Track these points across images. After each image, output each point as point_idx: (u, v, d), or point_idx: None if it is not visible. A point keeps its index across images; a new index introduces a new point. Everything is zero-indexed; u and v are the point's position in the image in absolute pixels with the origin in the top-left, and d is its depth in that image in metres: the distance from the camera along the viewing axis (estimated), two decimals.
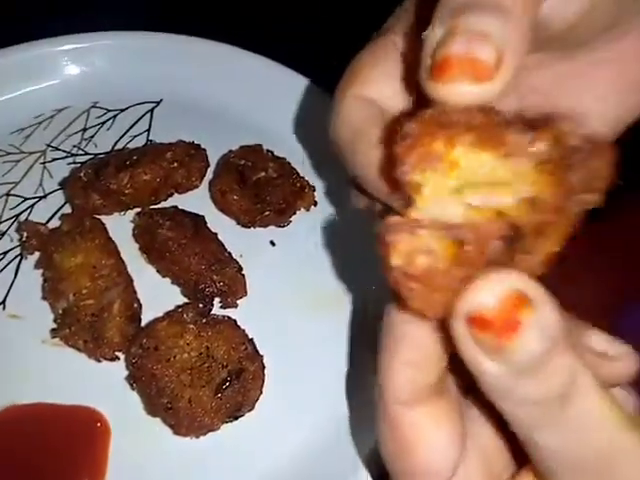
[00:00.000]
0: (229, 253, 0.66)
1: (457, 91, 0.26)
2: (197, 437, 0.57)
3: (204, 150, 0.71)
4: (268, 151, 0.74)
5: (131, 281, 0.62)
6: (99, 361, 0.59)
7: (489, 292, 0.24)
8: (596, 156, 0.26)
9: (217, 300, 0.64)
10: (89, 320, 0.57)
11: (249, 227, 0.71)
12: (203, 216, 0.67)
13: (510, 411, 0.27)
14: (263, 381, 0.59)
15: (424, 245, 0.26)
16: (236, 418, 0.58)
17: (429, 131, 0.26)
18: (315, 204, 0.73)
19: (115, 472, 0.56)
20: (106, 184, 0.64)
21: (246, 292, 0.65)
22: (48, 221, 0.67)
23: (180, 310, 0.61)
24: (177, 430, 0.56)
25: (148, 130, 0.77)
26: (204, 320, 0.60)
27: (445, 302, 0.26)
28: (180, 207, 0.69)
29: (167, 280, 0.66)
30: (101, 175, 0.64)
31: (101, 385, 0.59)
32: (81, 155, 0.74)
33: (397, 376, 0.30)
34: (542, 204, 0.26)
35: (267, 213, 0.69)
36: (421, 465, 0.31)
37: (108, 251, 0.61)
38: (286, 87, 0.77)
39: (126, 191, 0.65)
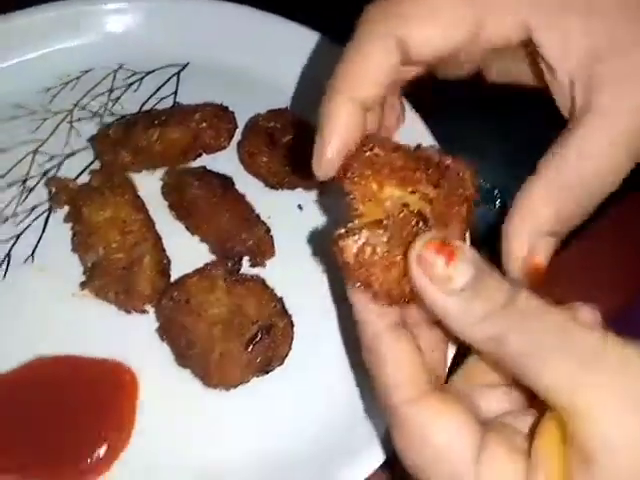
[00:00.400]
0: (257, 214, 0.66)
1: None
2: (227, 390, 0.57)
3: (232, 112, 0.71)
4: (295, 115, 0.74)
5: (159, 238, 0.62)
6: (129, 313, 0.59)
7: (425, 240, 0.37)
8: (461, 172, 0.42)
9: (246, 259, 0.64)
10: (120, 273, 0.57)
11: (277, 189, 0.70)
12: (231, 177, 0.67)
13: (472, 336, 0.36)
14: (292, 338, 0.59)
15: (365, 240, 0.39)
16: (266, 372, 0.58)
17: (366, 174, 0.41)
18: None
19: (143, 425, 0.56)
20: (135, 141, 0.64)
21: (274, 253, 0.65)
22: (77, 177, 0.67)
23: (210, 267, 0.61)
24: (207, 382, 0.56)
25: (175, 93, 0.77)
26: (234, 278, 0.60)
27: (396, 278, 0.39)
28: (208, 168, 0.68)
29: (196, 238, 0.66)
30: (131, 132, 0.64)
31: (130, 337, 0.59)
32: (108, 116, 0.73)
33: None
34: (436, 202, 0.41)
35: (296, 175, 0.69)
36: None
37: (137, 207, 0.61)
38: (313, 51, 0.77)
39: (155, 148, 0.65)
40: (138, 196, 0.62)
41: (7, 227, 0.64)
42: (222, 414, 0.57)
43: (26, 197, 0.66)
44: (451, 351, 0.49)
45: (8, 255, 0.62)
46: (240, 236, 0.62)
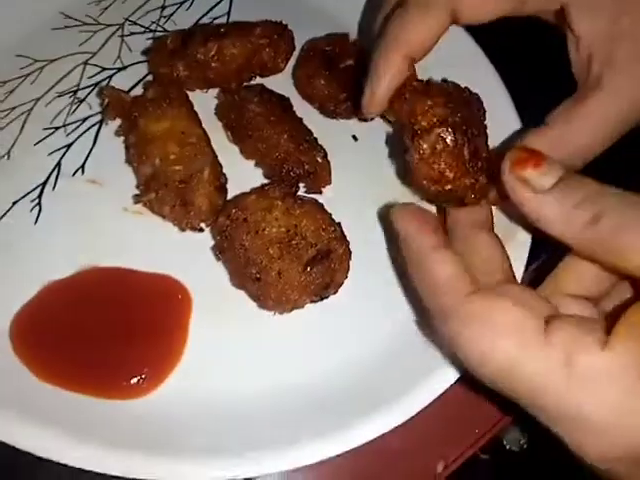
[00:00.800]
0: (315, 138, 0.63)
1: None
2: (281, 313, 0.55)
3: (291, 31, 0.67)
4: (356, 41, 0.70)
5: (216, 156, 0.59)
6: (183, 230, 0.57)
7: (517, 150, 0.41)
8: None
9: (302, 185, 0.62)
10: (177, 186, 0.54)
11: (333, 117, 0.67)
12: (289, 98, 0.64)
13: (568, 228, 0.37)
14: (349, 266, 0.57)
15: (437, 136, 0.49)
16: (321, 298, 0.56)
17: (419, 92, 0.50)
18: None
19: (195, 343, 0.54)
20: (193, 53, 0.61)
21: (330, 180, 0.62)
22: (129, 91, 0.64)
23: (267, 187, 0.58)
24: (263, 302, 0.54)
25: (228, 13, 0.73)
26: (292, 199, 0.58)
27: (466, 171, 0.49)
28: None
29: (249, 162, 0.63)
30: (188, 43, 0.61)
31: (183, 255, 0.57)
32: (160, 32, 0.70)
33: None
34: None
35: (353, 103, 0.66)
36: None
37: (195, 120, 0.58)
38: None
39: (212, 64, 0.62)
40: (195, 111, 0.60)
41: (57, 137, 0.62)
42: (276, 336, 0.55)
43: (76, 108, 0.64)
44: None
45: (58, 165, 0.60)
46: (299, 158, 0.60)
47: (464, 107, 0.52)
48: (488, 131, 0.55)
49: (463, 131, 0.49)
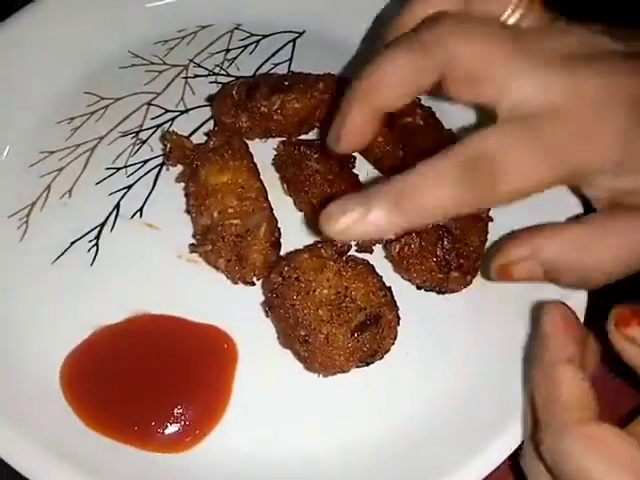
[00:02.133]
0: None
1: None
2: (326, 376, 0.55)
3: None
4: (416, 98, 0.70)
5: (272, 209, 0.60)
6: (235, 283, 0.57)
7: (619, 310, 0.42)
8: None
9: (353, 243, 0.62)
10: (233, 240, 0.55)
11: (387, 173, 0.68)
12: (352, 155, 0.64)
13: None
14: (397, 333, 0.57)
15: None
16: (367, 364, 0.56)
17: None
18: None
19: (239, 397, 0.54)
20: (257, 105, 0.62)
21: (383, 239, 0.62)
22: (190, 136, 0.65)
23: (320, 245, 0.58)
24: (310, 365, 0.54)
25: (290, 60, 0.74)
26: (344, 259, 0.58)
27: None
28: None
29: (303, 214, 0.64)
30: (253, 95, 0.62)
31: (233, 308, 0.58)
32: (223, 75, 0.71)
33: None
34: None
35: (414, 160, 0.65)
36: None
37: (255, 174, 0.59)
38: None
39: (275, 117, 0.62)
40: (255, 163, 0.60)
41: (118, 178, 0.63)
42: (320, 399, 0.55)
43: (138, 149, 0.65)
44: None
45: (117, 206, 0.62)
46: None
47: None
48: None
49: (438, 235, 0.58)
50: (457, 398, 0.57)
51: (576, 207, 0.62)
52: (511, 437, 0.53)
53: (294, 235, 0.61)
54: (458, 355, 0.59)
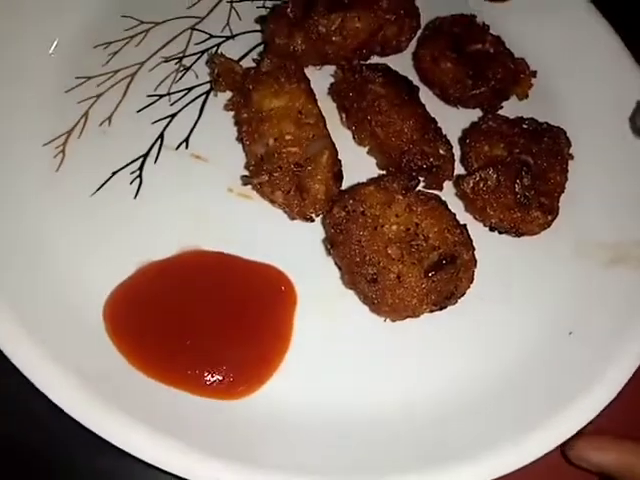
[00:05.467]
0: (440, 128, 0.57)
1: None
2: (395, 320, 0.50)
3: (418, 8, 0.61)
4: (484, 24, 0.64)
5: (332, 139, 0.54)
6: (293, 219, 0.52)
7: None
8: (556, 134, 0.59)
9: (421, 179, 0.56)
10: (293, 169, 0.49)
11: (455, 105, 0.61)
12: (416, 85, 0.58)
13: None
14: (474, 275, 0.51)
15: (479, 177, 0.55)
16: (441, 308, 0.50)
17: (480, 139, 0.58)
18: (527, 96, 0.63)
19: (299, 343, 0.49)
20: (315, 24, 0.55)
21: (453, 174, 0.56)
22: (238, 62, 0.59)
23: (386, 179, 0.53)
24: (377, 307, 0.49)
25: None
26: (413, 194, 0.52)
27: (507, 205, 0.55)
28: None
29: (362, 149, 0.58)
30: (310, 13, 0.55)
31: (290, 246, 0.53)
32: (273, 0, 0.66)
33: None
34: (537, 156, 0.57)
35: (483, 90, 0.59)
36: None
37: (314, 99, 0.53)
38: None
39: (334, 37, 0.56)
40: (312, 88, 0.54)
41: (160, 106, 0.57)
42: (384, 345, 0.50)
43: (182, 75, 0.59)
44: None
45: (161, 136, 0.56)
46: (423, 148, 0.54)
47: (531, 143, 0.56)
48: None
49: (517, 170, 0.54)
50: (536, 348, 0.52)
51: None
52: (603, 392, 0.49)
53: (354, 171, 0.54)
54: (536, 302, 0.54)
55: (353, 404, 0.48)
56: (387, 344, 0.50)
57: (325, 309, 0.51)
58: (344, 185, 0.54)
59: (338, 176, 0.51)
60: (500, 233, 0.56)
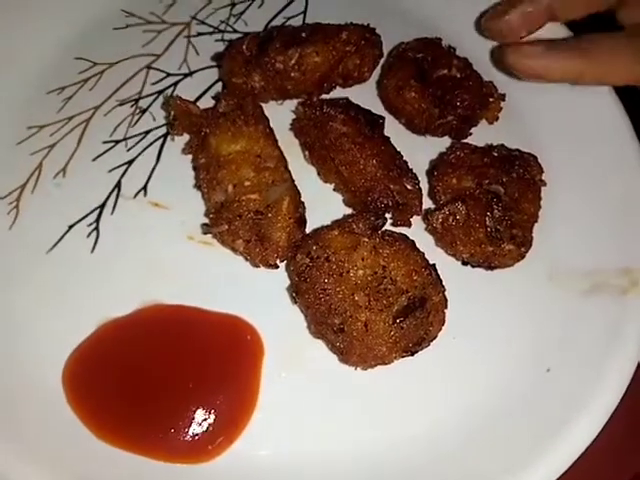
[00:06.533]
0: (406, 162, 0.55)
1: None
2: (365, 369, 0.48)
3: (379, 36, 0.59)
4: (450, 47, 0.62)
5: (294, 181, 0.52)
6: (256, 267, 0.50)
7: None
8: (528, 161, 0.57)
9: (388, 216, 0.54)
10: (252, 217, 0.48)
11: (422, 134, 0.60)
12: (381, 115, 0.56)
13: None
14: (445, 317, 0.50)
15: (448, 212, 0.53)
16: (412, 354, 0.49)
17: (447, 172, 0.56)
18: (497, 119, 0.61)
19: (267, 396, 0.48)
20: (271, 61, 0.54)
21: (421, 210, 0.55)
22: (196, 101, 0.58)
23: (351, 220, 0.51)
24: (346, 357, 0.47)
25: (304, 12, 0.66)
26: (379, 235, 0.50)
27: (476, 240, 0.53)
28: None
29: (328, 186, 0.56)
30: (267, 50, 0.54)
31: (255, 295, 0.51)
32: (230, 32, 0.63)
33: None
34: (508, 185, 0.55)
35: (450, 119, 0.57)
36: None
37: (273, 141, 0.51)
38: None
39: (292, 74, 0.54)
40: (271, 128, 0.53)
41: (117, 152, 0.56)
42: (358, 395, 0.49)
43: (139, 119, 0.57)
44: None
45: (118, 186, 0.54)
46: (388, 186, 0.52)
47: (502, 172, 0.55)
48: None
49: (487, 202, 0.52)
50: (513, 387, 0.50)
51: None
52: (583, 433, 0.47)
53: (319, 210, 0.53)
54: (511, 337, 0.52)
55: (326, 454, 0.47)
56: (359, 391, 0.49)
57: (293, 359, 0.49)
58: (311, 224, 0.53)
59: (300, 222, 0.49)
60: (473, 267, 0.54)
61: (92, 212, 0.53)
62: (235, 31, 0.63)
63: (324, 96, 0.58)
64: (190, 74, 0.60)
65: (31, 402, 0.45)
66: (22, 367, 0.46)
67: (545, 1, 0.59)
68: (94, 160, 0.56)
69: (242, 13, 0.65)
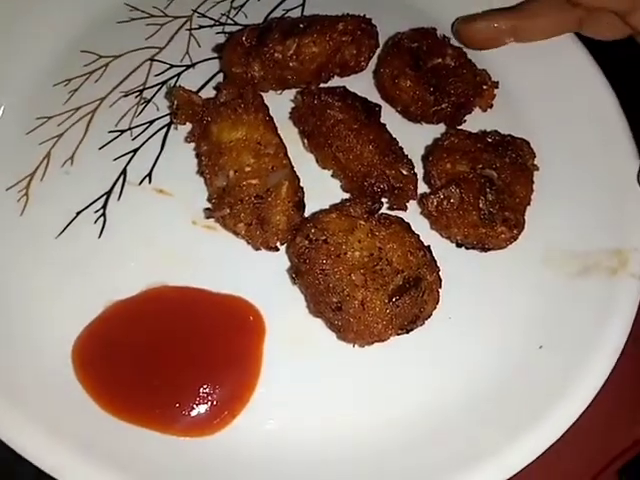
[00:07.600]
0: (402, 148, 0.57)
1: None
2: (362, 346, 0.50)
3: (375, 27, 0.61)
4: (445, 37, 0.64)
5: (293, 167, 0.54)
6: (257, 249, 0.52)
7: None
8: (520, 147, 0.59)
9: (384, 201, 0.56)
10: (253, 201, 0.50)
11: (417, 121, 0.61)
12: (377, 103, 0.58)
13: None
14: (439, 296, 0.52)
15: (442, 195, 0.54)
16: (407, 332, 0.51)
17: (442, 157, 0.57)
18: (491, 106, 0.63)
19: (269, 372, 0.50)
20: (270, 51, 0.55)
21: (417, 194, 0.56)
22: (198, 91, 0.60)
23: (348, 204, 0.53)
24: (344, 334, 0.49)
25: (303, 4, 0.67)
26: (376, 218, 0.52)
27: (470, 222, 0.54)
28: None
29: (325, 172, 0.58)
30: (265, 40, 0.55)
31: (256, 277, 0.53)
32: (230, 25, 0.65)
33: None
34: (501, 170, 0.57)
35: (444, 106, 0.59)
36: None
37: (272, 128, 0.53)
38: None
39: (291, 63, 0.56)
40: (271, 116, 0.54)
41: (122, 141, 0.58)
42: (355, 371, 0.50)
43: (143, 109, 0.59)
44: None
45: (124, 172, 0.56)
46: (384, 171, 0.54)
47: (495, 157, 0.56)
48: None
49: (480, 185, 0.54)
50: (507, 364, 0.52)
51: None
52: (574, 407, 0.49)
53: (318, 195, 0.55)
54: (505, 317, 0.54)
55: (325, 430, 0.49)
56: (357, 368, 0.50)
57: (294, 337, 0.51)
58: (310, 208, 0.54)
59: (299, 205, 0.51)
60: (467, 249, 0.56)
61: (99, 199, 0.55)
62: (235, 23, 0.65)
63: (322, 85, 0.59)
64: (192, 65, 0.62)
65: (40, 375, 0.47)
66: (33, 345, 0.48)
67: (511, 22, 0.64)
68: (100, 149, 0.57)
69: (242, 6, 0.66)
